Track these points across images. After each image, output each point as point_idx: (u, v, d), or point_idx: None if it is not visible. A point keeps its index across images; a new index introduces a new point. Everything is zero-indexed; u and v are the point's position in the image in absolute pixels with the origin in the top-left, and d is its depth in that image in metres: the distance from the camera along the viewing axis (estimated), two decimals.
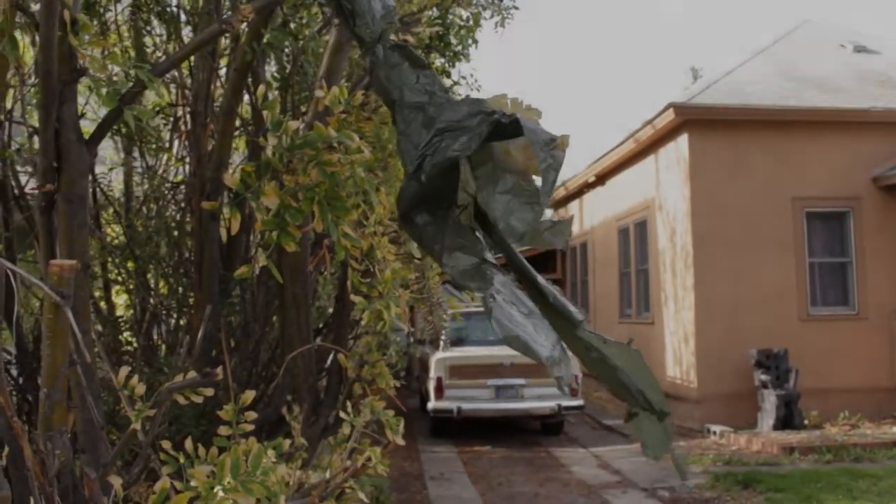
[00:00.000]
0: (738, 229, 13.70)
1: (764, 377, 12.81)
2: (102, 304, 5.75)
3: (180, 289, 4.94)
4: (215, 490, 1.82)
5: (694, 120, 13.97)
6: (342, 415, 2.62)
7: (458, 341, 14.05)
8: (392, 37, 2.02)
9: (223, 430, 2.37)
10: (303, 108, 4.36)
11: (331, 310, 5.30)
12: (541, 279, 2.28)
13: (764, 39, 19.73)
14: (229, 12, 4.05)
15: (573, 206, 22.38)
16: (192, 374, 2.17)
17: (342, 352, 2.84)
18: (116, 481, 1.91)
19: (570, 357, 2.30)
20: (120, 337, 5.52)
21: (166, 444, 2.23)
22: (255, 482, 1.85)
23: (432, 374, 13.13)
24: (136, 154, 5.54)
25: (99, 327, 5.67)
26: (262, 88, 2.23)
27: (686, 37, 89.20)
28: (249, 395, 2.39)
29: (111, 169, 5.60)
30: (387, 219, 2.32)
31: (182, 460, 2.09)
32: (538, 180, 2.08)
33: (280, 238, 1.97)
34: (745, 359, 13.20)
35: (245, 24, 3.80)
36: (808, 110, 14.08)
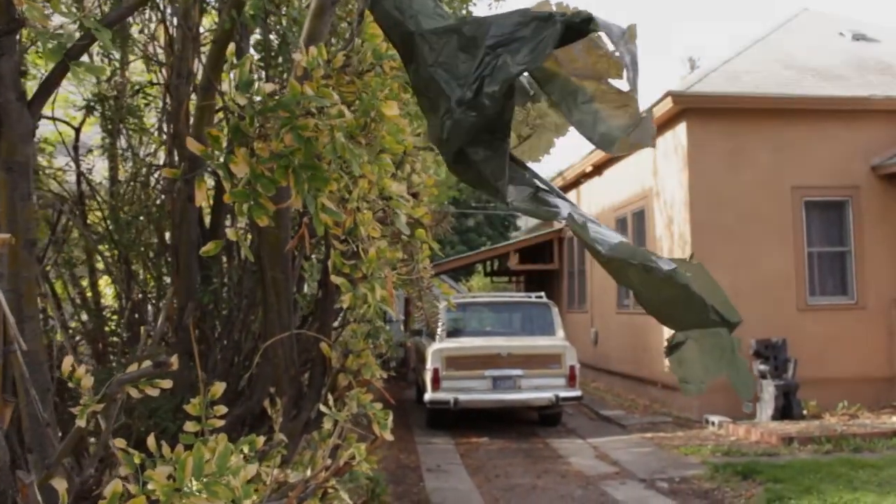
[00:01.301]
0: (737, 218, 13.59)
1: (762, 367, 12.73)
2: (89, 294, 5.63)
3: (164, 276, 4.80)
4: (180, 491, 1.68)
5: (692, 108, 13.84)
6: (323, 408, 2.49)
7: (454, 332, 13.95)
8: None
9: (190, 427, 2.21)
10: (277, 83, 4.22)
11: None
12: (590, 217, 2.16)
13: (762, 28, 19.60)
14: None
15: (571, 197, 22.19)
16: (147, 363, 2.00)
17: (325, 340, 2.71)
18: (60, 485, 1.74)
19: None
20: (105, 328, 5.39)
21: (120, 443, 2.06)
22: (219, 484, 1.71)
23: (429, 364, 13.03)
24: (121, 136, 5.38)
25: (84, 317, 5.55)
26: (231, 47, 2.05)
27: (684, 27, 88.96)
28: (219, 388, 2.24)
29: (89, 152, 5.44)
30: (373, 194, 2.18)
31: (138, 460, 1.93)
32: (616, 82, 1.91)
33: (251, 211, 1.82)
34: (743, 349, 13.08)
35: None
36: (806, 98, 13.96)
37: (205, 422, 2.15)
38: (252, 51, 3.94)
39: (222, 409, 2.22)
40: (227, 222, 4.29)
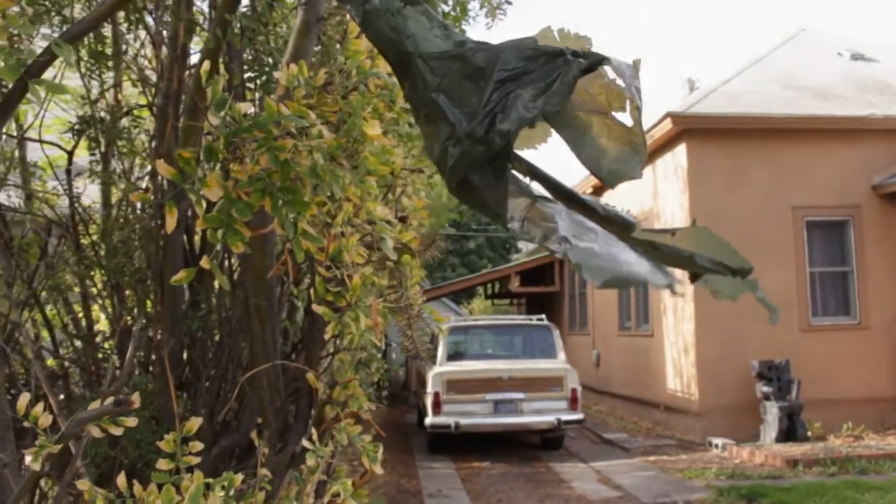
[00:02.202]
0: (738, 238, 13.37)
1: (766, 389, 12.61)
2: (82, 320, 5.54)
3: (152, 302, 4.70)
4: None
5: (692, 129, 13.81)
6: (305, 443, 2.39)
7: (455, 355, 13.85)
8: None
9: (163, 464, 2.11)
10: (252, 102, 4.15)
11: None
12: (583, 196, 2.07)
13: (761, 48, 19.63)
14: None
15: None
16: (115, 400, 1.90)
17: (310, 371, 2.62)
18: None
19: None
20: (99, 354, 5.30)
21: (83, 485, 1.96)
22: None
23: (430, 388, 12.92)
24: (112, 159, 5.31)
25: (78, 344, 5.46)
26: (206, 64, 1.96)
27: (683, 48, 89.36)
28: (195, 423, 2.15)
29: (78, 175, 5.37)
30: (359, 218, 2.10)
31: (101, 501, 1.83)
32: (620, 116, 1.85)
33: (226, 238, 1.74)
34: (746, 370, 12.99)
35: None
36: (806, 118, 13.92)
37: (180, 459, 2.06)
38: (224, 70, 3.87)
39: (198, 446, 2.13)
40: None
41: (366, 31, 1.91)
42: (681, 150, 14.01)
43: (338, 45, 4.08)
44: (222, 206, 1.72)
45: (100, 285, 5.28)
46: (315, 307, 2.16)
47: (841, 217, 13.96)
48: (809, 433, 12.40)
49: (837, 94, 15.20)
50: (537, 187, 2.07)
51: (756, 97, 14.63)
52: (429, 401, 12.91)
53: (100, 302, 5.44)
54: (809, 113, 14.07)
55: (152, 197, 2.94)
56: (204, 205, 1.72)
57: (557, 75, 1.66)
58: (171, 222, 1.72)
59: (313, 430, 2.44)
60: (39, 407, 1.86)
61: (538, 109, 1.65)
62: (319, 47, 3.79)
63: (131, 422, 1.93)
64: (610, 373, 18.34)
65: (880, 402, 13.26)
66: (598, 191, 18.95)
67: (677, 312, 14.23)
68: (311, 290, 2.29)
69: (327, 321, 2.18)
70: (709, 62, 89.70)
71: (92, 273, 5.26)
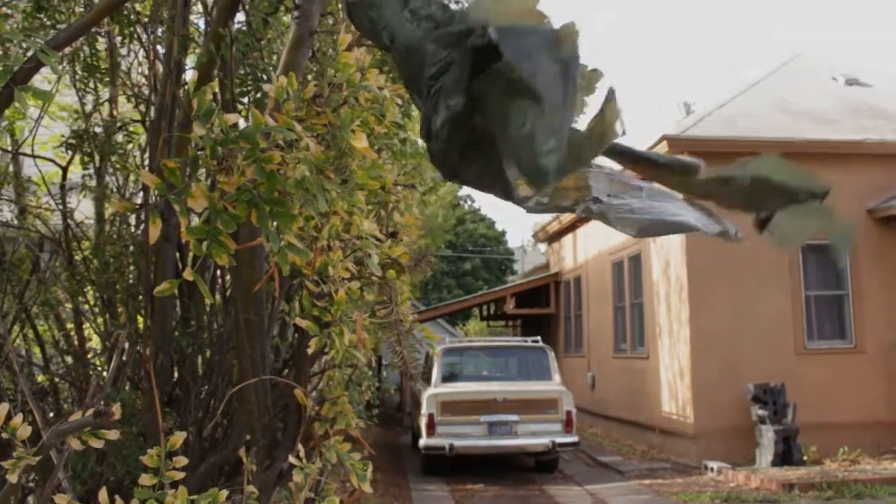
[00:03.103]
0: (734, 262, 13.50)
1: (761, 412, 12.57)
2: (73, 336, 5.50)
3: (140, 317, 4.67)
4: None
5: (687, 152, 13.84)
6: (293, 460, 2.36)
7: (450, 376, 13.79)
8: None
9: (146, 479, 2.07)
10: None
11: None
12: (636, 150, 1.85)
13: (756, 73, 19.72)
14: None
15: (567, 241, 22.20)
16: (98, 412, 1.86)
17: (297, 387, 2.59)
18: None
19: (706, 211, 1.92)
20: (90, 371, 5.26)
21: (62, 499, 1.92)
22: None
23: (424, 410, 12.86)
24: (106, 174, 5.30)
25: (69, 359, 5.42)
26: (193, 75, 1.94)
27: (679, 71, 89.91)
28: (179, 438, 2.12)
29: (71, 190, 5.36)
30: (353, 232, 2.07)
31: None
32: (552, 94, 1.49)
33: (211, 250, 1.72)
34: (741, 393, 12.95)
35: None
36: (801, 142, 13.95)
37: (163, 474, 2.02)
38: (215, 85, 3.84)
39: (182, 461, 2.09)
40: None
41: (353, 24, 1.77)
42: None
43: (332, 60, 4.08)
44: (207, 217, 1.69)
45: (92, 301, 5.25)
46: (299, 321, 2.13)
47: None
48: (805, 457, 12.35)
49: (832, 118, 15.26)
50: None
51: (751, 121, 14.68)
52: (423, 422, 12.84)
53: (91, 318, 5.42)
54: (804, 137, 14.11)
55: (137, 206, 2.90)
56: (189, 216, 1.69)
57: (462, 65, 1.45)
58: (154, 232, 1.70)
59: (300, 447, 2.41)
60: (18, 418, 1.83)
61: (453, 106, 1.46)
62: (316, 65, 3.80)
63: (112, 434, 1.90)
64: (605, 395, 18.28)
65: (876, 426, 13.22)
66: (584, 219, 18.95)
67: (673, 335, 14.20)
68: (298, 305, 2.26)
69: (310, 333, 2.15)
70: (705, 86, 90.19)
71: (84, 289, 5.24)
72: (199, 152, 1.66)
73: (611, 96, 1.43)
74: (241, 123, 1.77)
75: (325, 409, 2.68)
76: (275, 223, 1.70)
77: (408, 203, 3.12)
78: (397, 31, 1.62)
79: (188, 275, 1.72)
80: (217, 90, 2.16)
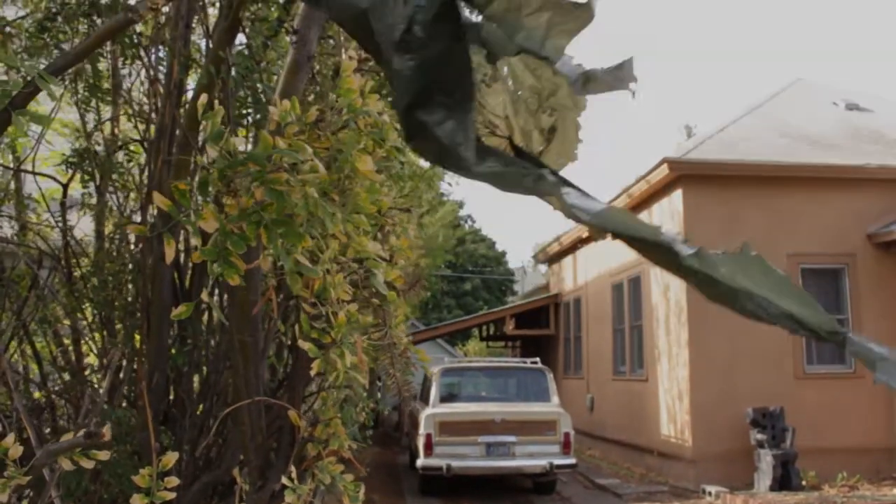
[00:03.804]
0: None
1: (760, 436, 12.53)
2: (71, 353, 5.51)
3: (137, 336, 4.68)
4: None
5: (688, 175, 13.88)
6: (285, 481, 2.36)
7: (448, 397, 13.77)
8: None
9: (137, 500, 2.07)
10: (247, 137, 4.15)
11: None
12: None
13: (757, 97, 19.79)
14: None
15: (567, 262, 22.22)
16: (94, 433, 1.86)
17: (291, 409, 2.59)
18: None
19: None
20: (87, 387, 5.26)
21: None
22: None
23: (422, 430, 12.82)
24: (107, 192, 5.32)
25: (66, 377, 5.42)
26: (203, 99, 1.95)
27: (681, 94, 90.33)
28: (172, 458, 2.12)
29: (71, 207, 5.38)
30: (350, 254, 2.08)
31: None
32: None
33: (222, 270, 1.73)
34: (740, 417, 12.92)
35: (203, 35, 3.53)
36: (802, 166, 14.00)
37: (155, 494, 2.02)
38: (219, 104, 3.85)
39: (174, 481, 2.09)
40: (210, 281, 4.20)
41: (332, 18, 1.67)
42: (677, 195, 14.06)
43: (330, 83, 4.11)
44: (217, 238, 1.71)
45: (90, 318, 5.26)
46: (301, 343, 2.13)
47: (836, 265, 13.98)
48: (804, 482, 12.29)
49: (833, 143, 15.31)
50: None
51: (752, 145, 14.73)
52: (420, 442, 12.80)
53: (89, 335, 5.42)
54: (805, 161, 14.16)
55: (149, 229, 2.91)
56: (200, 237, 1.71)
57: None
58: (170, 253, 1.71)
59: (293, 468, 2.41)
60: (10, 438, 1.83)
61: None
62: (316, 88, 3.82)
63: (103, 455, 1.90)
64: (603, 417, 18.23)
65: (875, 451, 13.17)
66: (584, 241, 18.96)
67: (672, 358, 14.18)
68: (297, 327, 2.26)
69: (313, 358, 2.16)
70: (706, 109, 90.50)
71: (82, 306, 5.25)
72: (208, 174, 1.67)
73: (630, 61, 1.36)
74: (240, 145, 1.79)
75: (319, 430, 2.68)
76: (283, 243, 1.71)
77: (404, 226, 3.14)
78: None
79: (205, 297, 1.73)
80: (222, 110, 2.17)
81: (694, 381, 13.35)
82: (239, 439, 2.92)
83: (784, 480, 12.13)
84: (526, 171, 1.45)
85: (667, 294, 14.47)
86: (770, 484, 12.12)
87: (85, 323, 5.44)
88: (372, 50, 1.50)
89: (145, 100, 5.10)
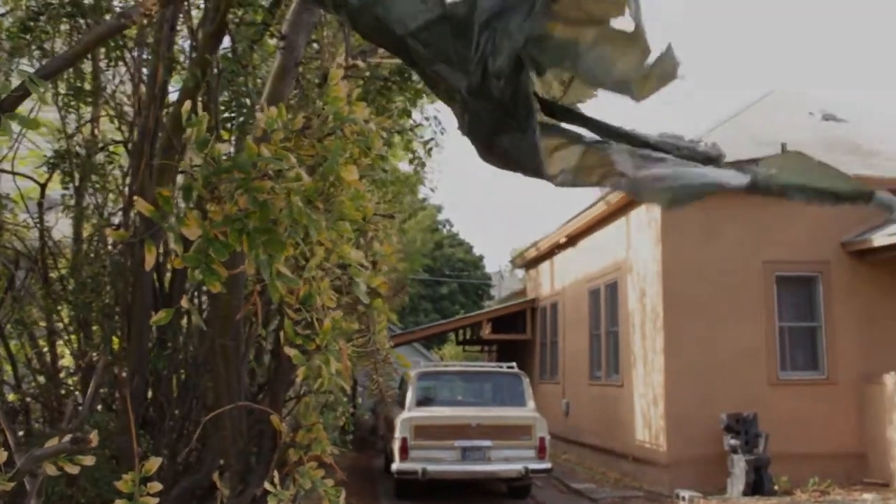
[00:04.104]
0: (709, 292, 13.62)
1: (734, 442, 12.62)
2: (46, 355, 5.46)
3: (120, 339, 4.64)
4: None
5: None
6: (267, 486, 2.36)
7: (424, 401, 13.75)
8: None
9: None
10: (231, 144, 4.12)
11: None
12: (651, 136, 1.88)
13: (733, 106, 19.95)
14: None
15: (544, 267, 22.28)
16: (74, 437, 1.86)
17: (273, 414, 2.59)
18: None
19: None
20: (62, 390, 5.22)
21: None
22: None
23: (397, 433, 12.80)
24: (86, 194, 5.28)
25: (41, 379, 5.37)
26: (187, 104, 1.94)
27: (658, 103, 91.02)
28: (154, 463, 2.11)
29: (49, 208, 5.33)
30: (332, 261, 2.09)
31: None
32: (619, 22, 1.62)
33: (203, 277, 1.73)
34: (714, 423, 13.01)
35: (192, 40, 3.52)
36: None
37: (137, 499, 2.01)
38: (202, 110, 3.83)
39: (157, 486, 2.09)
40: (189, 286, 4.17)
41: (356, 29, 1.82)
42: (654, 204, 14.14)
43: (316, 90, 4.10)
44: (200, 245, 1.70)
45: (66, 320, 5.22)
46: (287, 350, 2.13)
47: (810, 273, 14.12)
48: (776, 487, 12.40)
49: (809, 152, 15.40)
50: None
51: (729, 153, 14.76)
52: (396, 446, 12.79)
53: (65, 337, 5.38)
54: None
55: (132, 236, 2.90)
56: (181, 244, 1.70)
57: None
58: (149, 259, 1.71)
59: (276, 473, 2.40)
60: None
61: (525, 34, 1.52)
62: (297, 91, 3.81)
63: (88, 460, 1.89)
64: (579, 422, 18.29)
65: (847, 457, 13.31)
66: (571, 240, 19.04)
67: (647, 364, 14.26)
68: (281, 332, 2.26)
69: (297, 364, 2.16)
70: (684, 118, 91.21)
71: (59, 308, 5.20)
72: (192, 180, 1.67)
73: (670, 48, 1.57)
74: (225, 149, 1.78)
75: (301, 435, 2.68)
76: (265, 252, 1.71)
77: (387, 232, 3.14)
78: (407, 16, 1.66)
79: (186, 303, 1.73)
80: (207, 116, 2.16)
81: (669, 386, 13.43)
82: (220, 444, 2.91)
83: (757, 485, 12.23)
84: (599, 179, 1.65)
85: (643, 300, 14.55)
86: (743, 489, 12.22)
87: (61, 325, 5.40)
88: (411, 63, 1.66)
89: (127, 101, 5.08)
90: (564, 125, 1.85)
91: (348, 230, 2.07)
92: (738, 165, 1.84)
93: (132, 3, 4.06)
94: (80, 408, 3.23)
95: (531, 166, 1.63)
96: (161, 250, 4.02)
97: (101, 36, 2.66)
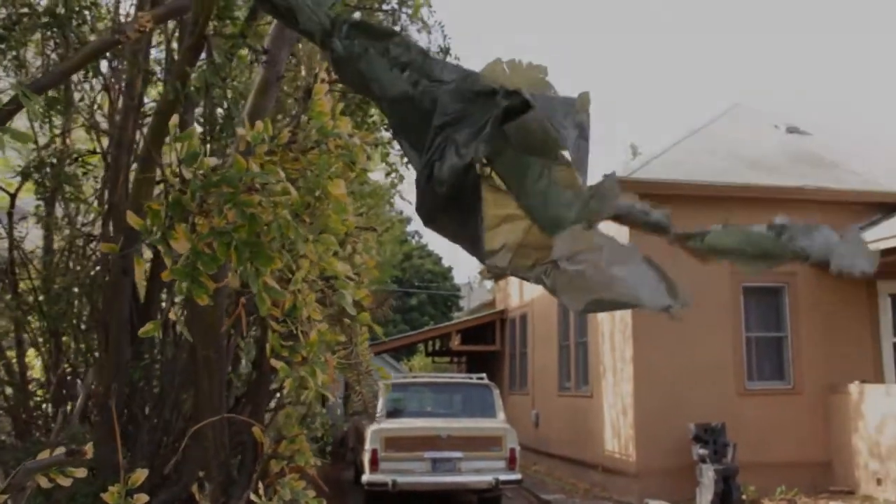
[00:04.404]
0: None
1: (702, 451, 12.73)
2: (15, 367, 5.39)
3: (93, 350, 4.60)
4: None
5: (634, 194, 14.06)
6: (253, 497, 2.36)
7: (394, 412, 13.72)
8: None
9: None
10: (220, 158, 4.08)
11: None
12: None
13: (700, 119, 20.19)
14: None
15: (513, 278, 22.33)
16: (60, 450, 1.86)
17: (257, 425, 2.59)
18: None
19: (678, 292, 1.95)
20: (30, 401, 5.16)
21: None
22: None
23: (367, 445, 12.76)
24: (57, 204, 5.23)
25: (9, 391, 5.31)
26: (175, 118, 1.96)
27: (628, 113, 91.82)
28: (141, 475, 2.11)
29: (22, 218, 5.28)
30: (313, 274, 2.10)
31: None
32: (569, 155, 1.72)
33: (191, 290, 1.73)
34: (683, 433, 13.12)
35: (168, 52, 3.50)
36: (743, 187, 14.33)
37: None
38: (195, 123, 3.85)
39: (143, 498, 2.08)
40: (163, 296, 4.15)
41: (339, 76, 1.89)
42: None
43: (290, 100, 4.12)
44: (188, 258, 1.71)
45: (37, 331, 5.16)
46: (273, 362, 2.14)
47: (777, 284, 14.31)
48: (744, 496, 12.53)
49: (773, 165, 15.70)
50: None
51: (695, 166, 15.02)
52: (366, 458, 12.74)
53: (35, 349, 5.32)
54: (747, 182, 14.49)
55: (120, 248, 2.89)
56: (171, 256, 1.71)
57: (489, 118, 1.59)
58: (138, 272, 1.72)
59: (260, 484, 2.41)
60: None
61: (470, 155, 1.60)
62: (275, 104, 3.82)
63: (80, 472, 1.89)
64: (549, 433, 18.35)
65: (813, 466, 13.48)
66: None
67: (616, 374, 14.36)
68: (266, 344, 2.26)
69: (282, 375, 2.17)
70: (652, 128, 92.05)
71: (29, 318, 5.15)
72: (181, 195, 1.68)
73: (612, 176, 1.70)
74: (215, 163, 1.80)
75: (283, 446, 2.68)
76: (253, 265, 1.73)
77: (368, 245, 3.16)
78: (385, 83, 1.75)
79: (173, 314, 1.73)
80: (178, 126, 2.16)
81: (638, 396, 13.53)
82: (201, 456, 2.90)
83: (725, 495, 12.34)
84: (537, 272, 1.75)
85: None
86: (711, 499, 12.31)
87: (30, 336, 5.35)
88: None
89: (100, 112, 5.05)
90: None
91: (334, 243, 2.09)
92: (686, 237, 1.95)
93: (104, 16, 4.06)
94: (63, 419, 3.20)
95: (469, 248, 1.72)
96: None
97: (96, 51, 2.66)
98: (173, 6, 3.17)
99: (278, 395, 3.82)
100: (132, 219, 1.70)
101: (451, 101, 1.66)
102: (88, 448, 1.81)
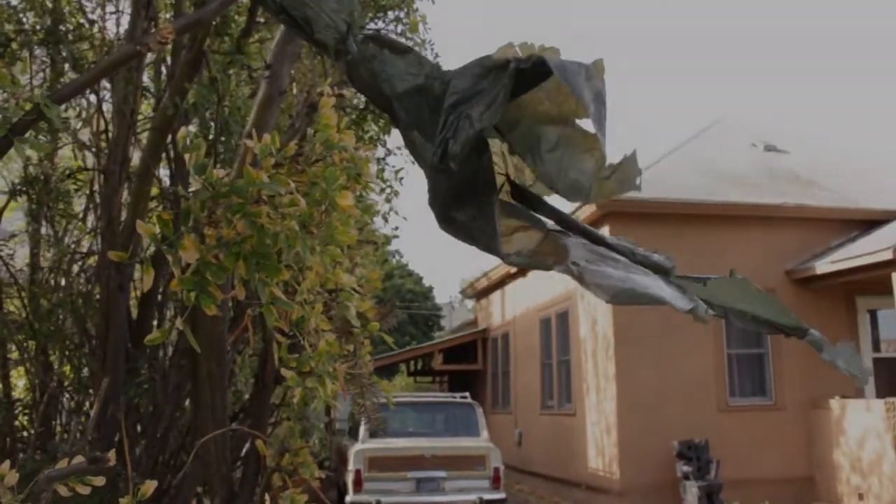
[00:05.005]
0: (659, 320, 13.78)
1: (686, 468, 12.77)
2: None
3: (84, 368, 4.56)
4: None
5: (615, 212, 14.17)
6: None
7: (377, 432, 13.65)
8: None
9: None
10: (227, 169, 4.07)
11: (247, 395, 4.96)
12: (609, 238, 2.00)
13: (679, 137, 20.37)
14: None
15: (495, 297, 22.37)
16: (79, 459, 1.85)
17: (261, 437, 2.59)
18: None
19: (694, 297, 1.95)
20: (16, 421, 5.10)
21: None
22: None
23: (351, 465, 12.69)
24: (44, 221, 5.19)
25: None
26: (182, 131, 1.96)
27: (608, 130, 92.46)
28: (150, 486, 2.10)
29: (12, 237, 5.24)
30: (318, 285, 2.11)
31: None
32: (585, 123, 1.73)
33: (199, 300, 1.74)
34: (667, 450, 13.16)
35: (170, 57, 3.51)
36: (723, 205, 14.46)
37: None
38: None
39: None
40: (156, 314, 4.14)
41: (352, 81, 1.91)
42: (604, 231, 14.32)
43: (284, 116, 4.14)
44: (196, 268, 1.72)
45: (20, 350, 5.12)
46: (284, 372, 2.14)
47: None
48: None
49: (752, 182, 15.86)
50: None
51: (674, 184, 15.14)
52: (350, 478, 12.67)
53: (21, 367, 5.28)
54: (726, 200, 14.63)
55: (128, 256, 2.87)
56: (179, 267, 1.72)
57: (500, 87, 1.61)
58: (147, 282, 1.72)
59: (266, 497, 2.40)
60: (6, 465, 1.79)
61: (483, 123, 1.61)
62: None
63: (99, 481, 1.88)
64: (532, 452, 18.33)
65: (796, 481, 13.54)
66: (512, 276, 19.17)
67: (599, 392, 14.38)
68: (266, 360, 2.27)
69: (291, 384, 2.17)
70: (631, 147, 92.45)
71: (16, 336, 5.10)
72: (190, 205, 1.69)
73: (633, 155, 1.71)
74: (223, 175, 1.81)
75: (286, 459, 2.68)
76: (261, 276, 1.73)
77: (370, 258, 3.17)
78: (397, 80, 1.76)
79: (180, 324, 1.74)
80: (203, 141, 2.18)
81: (621, 414, 13.56)
82: (203, 470, 2.89)
83: None
84: (550, 262, 1.77)
85: (594, 328, 14.70)
86: None
87: (15, 355, 5.30)
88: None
89: (89, 128, 5.03)
90: (531, 210, 1.97)
91: (340, 255, 2.11)
92: (688, 282, 2.02)
93: (97, 32, 4.06)
94: (81, 429, 3.19)
95: (485, 241, 1.72)
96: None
97: (115, 62, 2.67)
98: (195, 17, 3.18)
99: (277, 409, 3.80)
100: (142, 227, 1.70)
101: (464, 79, 1.67)
102: (111, 456, 1.81)
